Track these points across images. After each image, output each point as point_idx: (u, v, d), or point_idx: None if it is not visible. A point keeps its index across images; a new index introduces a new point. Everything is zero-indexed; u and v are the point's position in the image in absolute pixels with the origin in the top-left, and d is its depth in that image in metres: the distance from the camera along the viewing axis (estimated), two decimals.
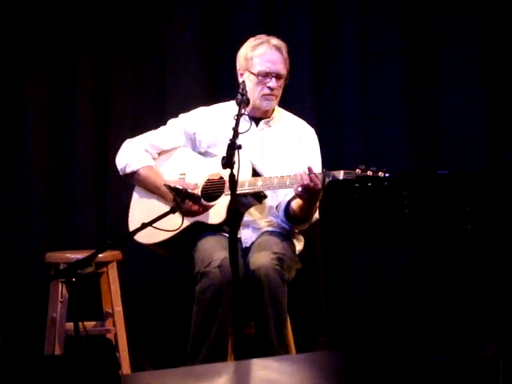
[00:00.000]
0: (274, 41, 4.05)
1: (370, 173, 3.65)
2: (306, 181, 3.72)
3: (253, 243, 3.98)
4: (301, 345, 4.25)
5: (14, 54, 4.81)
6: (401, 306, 4.75)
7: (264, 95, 4.00)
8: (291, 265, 3.91)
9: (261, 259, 3.80)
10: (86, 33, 4.86)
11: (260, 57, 4.02)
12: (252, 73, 4.01)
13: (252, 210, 3.99)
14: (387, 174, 3.63)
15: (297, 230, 4.09)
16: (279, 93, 4.05)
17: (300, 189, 3.75)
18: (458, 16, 4.74)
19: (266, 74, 4.00)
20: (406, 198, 3.17)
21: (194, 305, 3.81)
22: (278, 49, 4.03)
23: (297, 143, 4.10)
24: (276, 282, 3.76)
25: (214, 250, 3.83)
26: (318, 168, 3.99)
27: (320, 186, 3.73)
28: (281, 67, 4.02)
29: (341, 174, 3.70)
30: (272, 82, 4.00)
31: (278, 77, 4.01)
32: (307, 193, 3.75)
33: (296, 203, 3.90)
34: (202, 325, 3.78)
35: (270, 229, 4.02)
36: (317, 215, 3.99)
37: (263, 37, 4.07)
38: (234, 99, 3.82)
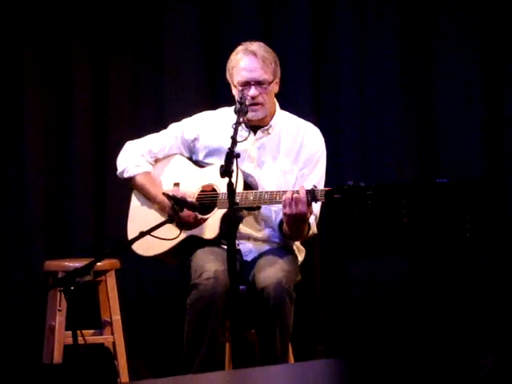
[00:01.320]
0: (252, 46, 3.89)
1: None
2: (290, 194, 3.67)
3: (256, 258, 3.93)
4: (299, 354, 4.24)
5: (13, 58, 4.80)
6: (399, 315, 4.75)
7: (248, 106, 3.82)
8: (296, 280, 3.90)
9: (268, 277, 3.75)
10: (84, 35, 4.85)
11: (236, 67, 3.89)
12: (234, 85, 3.92)
13: (249, 221, 3.97)
14: None
15: (298, 242, 4.07)
16: (265, 99, 3.89)
17: (283, 217, 3.73)
18: (456, 18, 4.75)
19: (246, 84, 3.87)
20: (404, 207, 3.17)
21: (185, 316, 3.81)
22: (254, 54, 3.87)
23: (298, 149, 3.98)
24: (284, 302, 3.72)
25: (206, 261, 3.80)
26: (316, 179, 3.94)
27: (304, 210, 3.66)
28: (259, 73, 3.86)
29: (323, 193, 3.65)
30: (251, 91, 3.85)
31: (258, 83, 3.86)
32: (290, 219, 3.71)
33: (285, 222, 3.83)
34: (193, 337, 3.76)
35: (272, 245, 3.98)
36: (315, 230, 3.92)
37: (244, 44, 3.93)
38: (235, 104, 3.80)
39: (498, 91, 4.74)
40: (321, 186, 3.93)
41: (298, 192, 3.69)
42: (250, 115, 3.86)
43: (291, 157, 3.99)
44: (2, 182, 4.81)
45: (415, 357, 4.68)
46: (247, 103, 3.81)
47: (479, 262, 4.71)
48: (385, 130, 4.81)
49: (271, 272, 3.76)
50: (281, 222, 3.89)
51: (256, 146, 3.99)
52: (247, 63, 3.88)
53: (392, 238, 3.19)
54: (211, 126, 4.05)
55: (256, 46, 3.91)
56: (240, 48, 3.93)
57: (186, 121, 4.11)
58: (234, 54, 3.95)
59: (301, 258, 4.07)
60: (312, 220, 3.83)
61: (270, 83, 3.90)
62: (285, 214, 3.72)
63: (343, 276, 4.83)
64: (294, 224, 3.75)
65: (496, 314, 4.66)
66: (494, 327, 4.63)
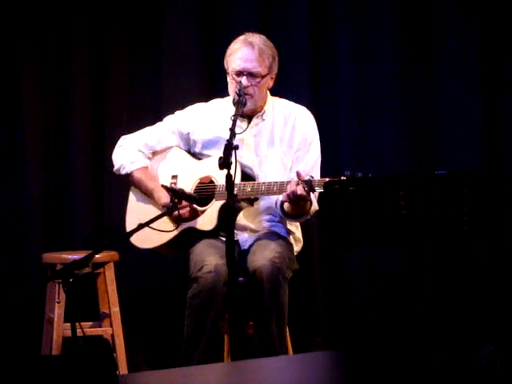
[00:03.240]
0: (251, 38, 3.91)
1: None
2: (293, 188, 3.69)
3: (251, 246, 3.96)
4: (298, 345, 4.25)
5: (10, 53, 4.78)
6: (398, 307, 4.75)
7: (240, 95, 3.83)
8: (290, 264, 3.91)
9: (261, 258, 3.79)
10: (82, 29, 4.83)
11: (233, 55, 3.91)
12: (228, 72, 3.94)
13: (248, 213, 3.98)
14: None
15: (296, 232, 4.07)
16: (255, 91, 3.89)
17: (285, 196, 3.74)
18: (454, 16, 4.75)
19: (239, 73, 3.88)
20: (402, 199, 3.17)
21: (186, 309, 3.81)
22: (251, 45, 3.88)
23: (291, 131, 4.00)
24: (277, 281, 3.75)
25: (206, 254, 3.82)
26: (312, 160, 3.97)
27: (305, 194, 3.69)
28: (252, 65, 3.87)
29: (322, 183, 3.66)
30: (243, 80, 3.85)
31: (250, 75, 3.87)
32: (295, 199, 3.73)
33: (286, 204, 3.86)
34: (193, 330, 3.78)
35: (267, 231, 4.01)
36: (316, 206, 3.93)
37: (246, 34, 3.94)
38: (229, 94, 3.80)
39: (496, 84, 4.74)
40: (317, 168, 3.98)
41: (295, 190, 3.70)
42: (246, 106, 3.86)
43: (286, 141, 4.01)
44: (0, 174, 4.81)
45: (414, 348, 4.69)
46: (235, 91, 3.83)
47: (477, 253, 4.71)
48: (383, 123, 4.80)
49: (264, 254, 3.79)
50: (282, 203, 3.90)
51: (252, 133, 4.00)
52: (244, 53, 3.89)
53: (390, 230, 3.19)
54: (204, 119, 4.07)
55: (256, 38, 3.92)
56: (241, 38, 3.95)
57: (179, 114, 4.12)
58: (234, 42, 3.97)
59: (298, 248, 4.08)
60: (312, 196, 3.83)
61: (263, 77, 3.91)
62: (286, 196, 3.75)
63: (341, 268, 4.83)
64: (294, 204, 3.77)
65: (495, 304, 4.66)
66: (493, 318, 4.64)
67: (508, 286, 4.67)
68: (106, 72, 4.87)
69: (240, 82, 3.86)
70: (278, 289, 3.76)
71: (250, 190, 3.82)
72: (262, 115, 4.01)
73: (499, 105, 4.73)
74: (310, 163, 3.98)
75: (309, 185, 3.68)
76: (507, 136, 4.71)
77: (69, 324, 3.52)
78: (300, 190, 3.67)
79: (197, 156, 4.09)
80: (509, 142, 4.69)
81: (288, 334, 4.00)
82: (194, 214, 3.91)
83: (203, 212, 3.91)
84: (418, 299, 4.73)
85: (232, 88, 3.92)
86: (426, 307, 4.69)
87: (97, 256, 3.68)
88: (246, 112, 3.94)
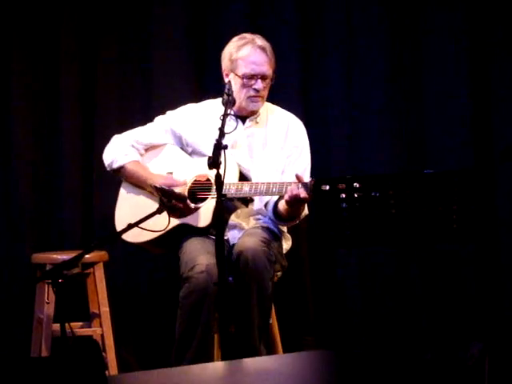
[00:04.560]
0: (259, 41, 4.01)
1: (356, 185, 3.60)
2: (295, 191, 3.70)
3: (239, 238, 3.95)
4: (288, 344, 4.25)
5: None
6: (388, 306, 4.76)
7: (250, 97, 3.98)
8: (278, 257, 3.91)
9: (248, 242, 3.80)
10: (71, 30, 4.82)
11: (245, 59, 3.98)
12: (237, 75, 3.98)
13: (239, 212, 3.99)
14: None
15: (285, 230, 4.08)
16: (265, 93, 4.03)
17: (288, 198, 3.74)
18: (443, 15, 4.76)
19: (252, 77, 3.97)
20: (392, 198, 3.18)
21: (178, 309, 3.81)
22: (263, 49, 3.99)
23: (284, 137, 4.07)
24: (262, 262, 3.76)
25: (198, 254, 3.82)
26: (304, 165, 4.01)
27: (308, 197, 3.70)
28: (266, 68, 3.98)
29: (327, 187, 3.66)
30: (258, 84, 3.97)
31: (263, 78, 3.98)
32: (295, 201, 3.74)
33: (282, 206, 3.88)
34: (185, 330, 3.78)
35: (256, 225, 4.02)
36: (306, 211, 3.97)
37: (248, 36, 4.03)
38: (221, 96, 3.81)
39: (485, 82, 4.74)
40: (307, 174, 3.99)
41: (298, 193, 3.70)
42: (250, 106, 3.99)
43: (279, 144, 4.07)
44: None
45: (404, 347, 4.70)
46: (252, 94, 3.96)
47: (466, 251, 4.72)
48: (372, 122, 4.81)
49: (249, 239, 3.82)
50: (275, 206, 3.91)
51: (246, 134, 4.05)
52: (258, 58, 3.98)
53: (380, 229, 3.19)
54: (196, 120, 4.10)
55: (264, 42, 4.02)
56: (246, 40, 4.01)
57: (171, 114, 4.14)
58: (238, 45, 4.01)
59: (287, 245, 4.09)
60: None
61: (272, 79, 4.03)
62: (289, 197, 3.74)
63: (332, 267, 4.83)
64: (295, 205, 3.79)
65: (484, 302, 4.67)
66: (482, 317, 4.65)
67: (497, 285, 4.68)
68: (96, 73, 4.85)
69: (246, 83, 3.94)
70: (263, 271, 3.75)
71: (248, 189, 3.83)
72: (256, 118, 4.07)
73: (489, 102, 4.74)
74: (302, 167, 4.02)
75: (308, 188, 3.70)
76: (496, 134, 4.71)
77: (58, 324, 3.50)
78: (303, 194, 3.70)
79: (191, 154, 4.10)
80: (498, 140, 4.70)
81: (278, 332, 4.00)
82: (190, 210, 3.91)
83: (198, 209, 3.92)
84: (407, 297, 4.74)
85: (243, 92, 3.97)
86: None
87: (86, 256, 3.68)
88: (248, 112, 4.03)
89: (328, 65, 4.83)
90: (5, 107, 4.80)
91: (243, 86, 3.98)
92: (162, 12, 4.86)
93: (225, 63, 4.04)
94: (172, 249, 4.00)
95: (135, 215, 3.55)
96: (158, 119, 4.16)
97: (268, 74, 4.00)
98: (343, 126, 4.83)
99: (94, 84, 4.86)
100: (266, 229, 3.98)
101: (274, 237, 3.98)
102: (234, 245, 3.95)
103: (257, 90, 3.97)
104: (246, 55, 3.98)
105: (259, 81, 3.98)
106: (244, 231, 3.99)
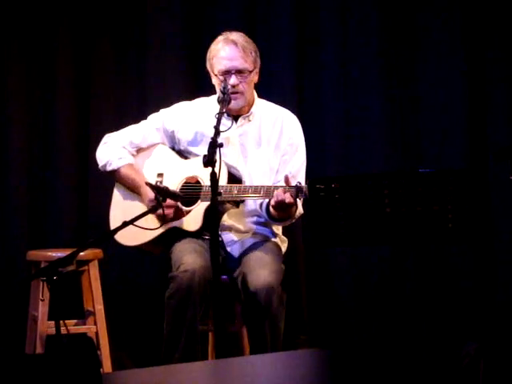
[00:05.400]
0: (233, 35, 3.92)
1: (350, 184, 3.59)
2: (281, 196, 3.69)
3: (242, 255, 3.92)
4: (283, 343, 4.24)
5: None
6: (382, 305, 4.76)
7: (229, 94, 3.83)
8: (282, 275, 3.88)
9: (260, 280, 3.73)
10: (66, 27, 4.82)
11: (217, 56, 3.91)
12: (215, 74, 3.93)
13: (233, 214, 3.97)
14: None
15: (280, 232, 4.07)
16: (244, 88, 3.90)
17: (273, 203, 3.73)
18: (439, 16, 4.76)
19: (226, 72, 3.89)
20: (387, 197, 3.18)
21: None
22: (234, 43, 3.89)
23: (278, 135, 4.01)
24: (277, 308, 3.73)
25: (184, 253, 3.81)
26: (299, 163, 3.98)
27: (292, 201, 3.68)
28: (239, 62, 3.88)
29: (322, 187, 3.65)
30: (232, 79, 3.86)
31: (238, 72, 3.88)
32: (281, 206, 3.73)
33: (272, 208, 3.84)
34: (172, 329, 3.77)
35: (256, 237, 3.98)
36: (301, 210, 3.94)
37: (224, 34, 3.95)
38: (215, 93, 3.79)
39: (481, 81, 4.75)
40: (303, 173, 3.98)
41: (283, 199, 3.69)
42: (231, 103, 3.86)
43: (273, 143, 4.01)
44: None
45: (398, 346, 4.70)
46: (230, 90, 3.83)
47: (462, 251, 4.73)
48: (368, 121, 4.81)
49: (262, 275, 3.74)
50: (267, 207, 3.89)
51: (238, 132, 4.00)
52: (228, 52, 3.89)
53: (375, 228, 3.19)
54: (189, 117, 4.06)
55: (236, 36, 3.93)
56: (220, 38, 3.95)
57: (164, 111, 4.12)
58: (214, 43, 3.97)
59: (284, 248, 4.07)
60: (298, 200, 3.82)
61: (250, 72, 3.92)
62: (274, 202, 3.74)
63: (326, 266, 4.83)
64: (280, 210, 3.78)
65: (479, 302, 4.68)
66: (477, 317, 4.65)
67: (492, 285, 4.68)
68: (90, 70, 4.85)
69: (224, 80, 3.86)
70: (277, 316, 3.74)
71: (236, 192, 3.81)
72: (248, 116, 4.01)
73: (485, 103, 4.74)
74: (297, 166, 3.99)
75: (296, 190, 3.69)
76: (492, 133, 4.72)
77: (53, 322, 3.50)
78: (288, 199, 3.68)
79: (182, 154, 4.08)
80: (494, 139, 4.71)
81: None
82: (179, 214, 3.90)
83: (188, 212, 3.90)
84: (402, 297, 4.75)
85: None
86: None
87: (81, 254, 3.67)
88: (234, 111, 3.95)
89: (324, 65, 4.83)
90: (0, 110, 4.78)
91: (219, 83, 3.89)
92: (157, 9, 4.86)
93: (207, 65, 3.99)
94: (169, 248, 4.00)
95: (130, 217, 3.54)
96: (151, 117, 4.13)
97: (242, 67, 3.89)
98: (338, 126, 4.83)
99: (89, 82, 4.85)
100: (264, 238, 3.95)
101: (275, 247, 3.95)
102: (231, 255, 3.93)
103: (233, 86, 3.85)
104: (217, 52, 3.92)
105: (233, 76, 3.87)
106: (241, 243, 3.95)
